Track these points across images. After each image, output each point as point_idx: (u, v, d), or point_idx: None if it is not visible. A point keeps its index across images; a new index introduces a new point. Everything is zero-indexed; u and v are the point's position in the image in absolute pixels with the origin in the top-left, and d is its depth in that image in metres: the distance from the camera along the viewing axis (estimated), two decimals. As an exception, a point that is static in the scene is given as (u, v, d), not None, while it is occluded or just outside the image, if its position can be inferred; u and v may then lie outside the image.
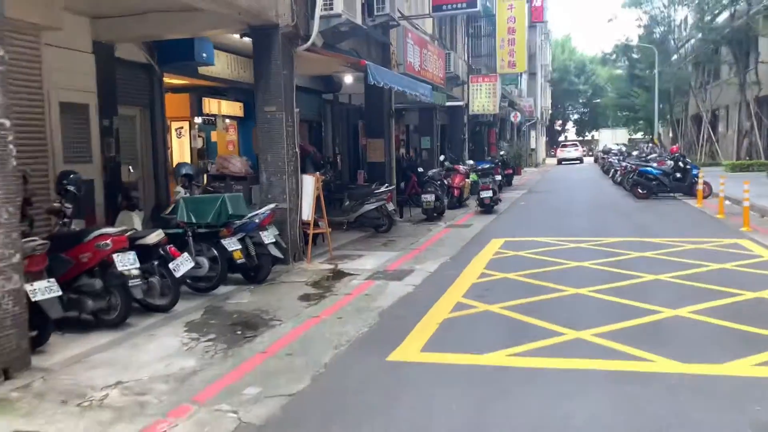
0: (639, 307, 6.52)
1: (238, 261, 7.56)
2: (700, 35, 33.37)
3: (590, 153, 59.87)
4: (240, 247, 7.63)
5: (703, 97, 35.03)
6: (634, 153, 28.92)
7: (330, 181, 13.85)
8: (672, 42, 37.64)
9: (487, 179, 16.31)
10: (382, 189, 13.05)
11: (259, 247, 8.16)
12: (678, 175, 17.97)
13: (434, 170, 16.30)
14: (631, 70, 49.36)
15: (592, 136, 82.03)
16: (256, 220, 8.14)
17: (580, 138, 76.75)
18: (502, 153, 26.67)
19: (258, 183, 9.62)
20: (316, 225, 10.17)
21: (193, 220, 7.53)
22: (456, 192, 17.41)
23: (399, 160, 21.36)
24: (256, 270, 8.21)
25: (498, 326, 6.14)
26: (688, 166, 18.09)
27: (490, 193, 15.89)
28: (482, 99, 24.20)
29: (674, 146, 24.30)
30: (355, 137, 20.29)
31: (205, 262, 7.50)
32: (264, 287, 8.06)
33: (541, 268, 8.77)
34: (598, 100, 67.13)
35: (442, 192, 15.63)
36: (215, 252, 7.52)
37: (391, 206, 13.14)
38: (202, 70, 11.50)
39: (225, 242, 7.52)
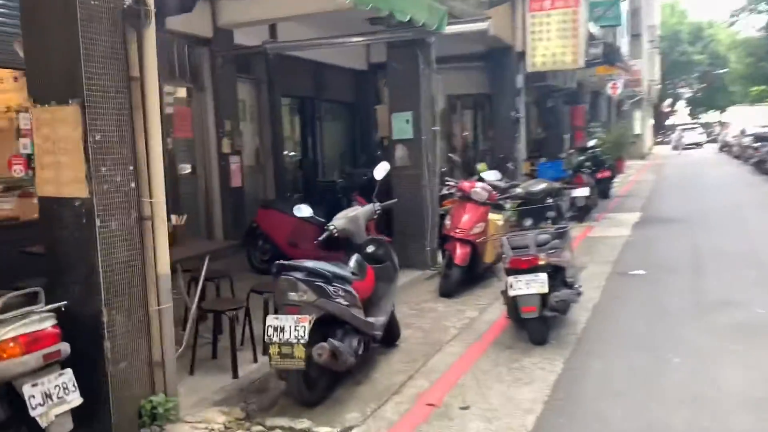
0: None
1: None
2: None
3: (714, 138, 45.77)
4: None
5: None
6: None
7: None
8: None
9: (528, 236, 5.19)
10: None
11: None
12: None
13: (357, 210, 5.04)
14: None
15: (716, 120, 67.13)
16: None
17: (695, 121, 62.62)
18: (591, 144, 14.97)
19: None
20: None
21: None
22: (459, 257, 6.51)
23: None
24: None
25: None
26: None
27: (538, 290, 4.79)
28: (552, 42, 12.67)
29: None
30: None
31: None
32: None
33: None
34: (724, 71, 52.64)
35: (393, 271, 4.81)
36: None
37: None
38: None
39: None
